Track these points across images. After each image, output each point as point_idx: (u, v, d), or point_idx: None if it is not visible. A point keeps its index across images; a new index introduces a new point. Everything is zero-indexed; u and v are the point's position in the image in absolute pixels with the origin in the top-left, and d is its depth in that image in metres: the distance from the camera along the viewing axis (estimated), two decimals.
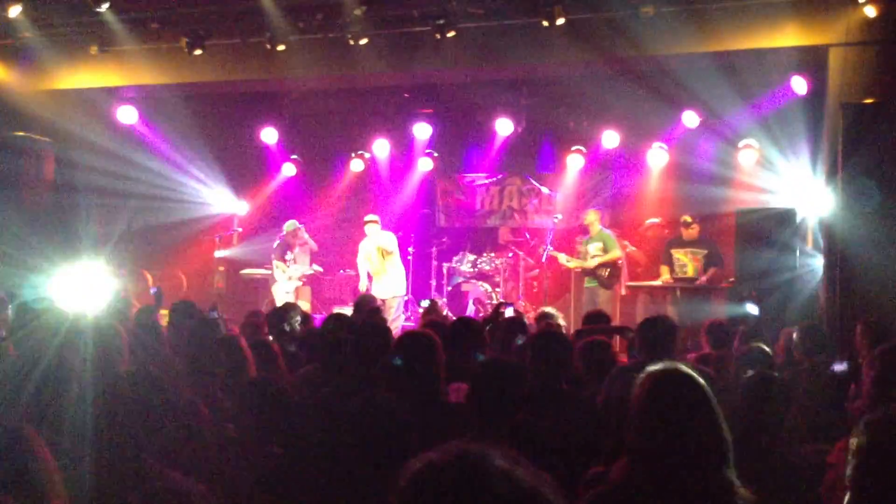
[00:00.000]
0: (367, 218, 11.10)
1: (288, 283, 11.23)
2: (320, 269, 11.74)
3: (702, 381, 2.40)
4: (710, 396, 2.35)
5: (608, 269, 10.32)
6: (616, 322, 8.94)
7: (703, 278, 9.56)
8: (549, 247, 10.98)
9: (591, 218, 10.66)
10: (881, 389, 2.82)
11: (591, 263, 10.33)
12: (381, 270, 10.83)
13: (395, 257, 10.98)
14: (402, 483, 1.32)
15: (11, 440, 2.11)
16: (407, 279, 11.62)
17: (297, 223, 11.47)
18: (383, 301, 10.33)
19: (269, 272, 12.07)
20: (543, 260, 10.98)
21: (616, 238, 10.60)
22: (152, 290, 7.62)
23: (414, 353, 3.64)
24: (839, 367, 3.54)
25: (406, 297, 11.53)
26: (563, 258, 10.75)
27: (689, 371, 2.43)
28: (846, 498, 2.01)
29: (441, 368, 3.68)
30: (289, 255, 11.33)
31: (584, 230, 11.00)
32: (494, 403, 3.04)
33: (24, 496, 2.03)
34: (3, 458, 2.06)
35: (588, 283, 10.53)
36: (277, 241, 11.59)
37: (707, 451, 2.27)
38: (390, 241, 10.91)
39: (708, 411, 2.32)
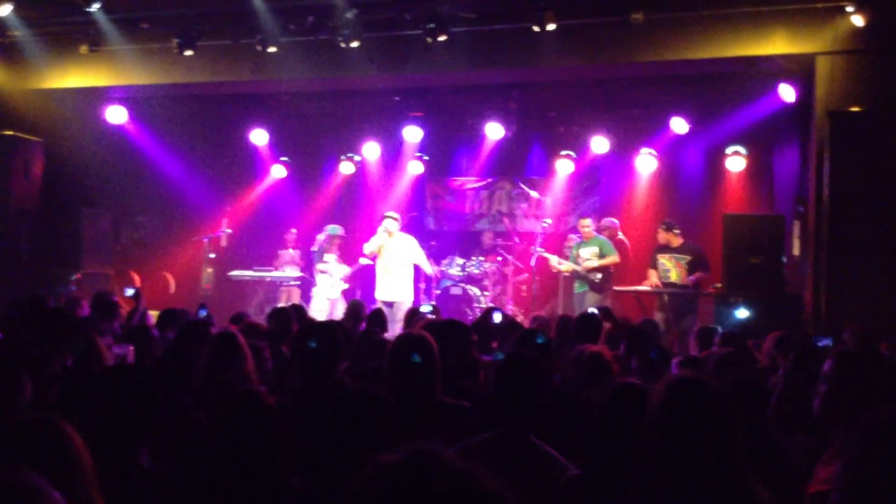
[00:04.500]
0: (391, 214, 10.47)
1: (331, 289, 11.15)
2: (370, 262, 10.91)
3: (716, 388, 2.43)
4: (725, 402, 2.38)
5: (600, 274, 10.33)
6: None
7: (691, 278, 9.62)
8: (539, 248, 10.98)
9: (587, 223, 10.65)
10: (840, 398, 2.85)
11: (588, 266, 10.31)
12: (397, 271, 10.28)
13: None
14: (355, 486, 1.26)
15: (47, 433, 2.07)
16: None
17: (340, 228, 11.40)
18: (392, 304, 10.00)
19: (259, 275, 12.08)
20: (532, 263, 10.98)
21: (612, 244, 10.62)
22: (129, 292, 7.50)
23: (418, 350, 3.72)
24: (824, 342, 3.63)
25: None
26: (554, 260, 10.74)
27: (705, 379, 2.46)
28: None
29: (437, 368, 3.75)
30: (327, 257, 11.26)
31: (575, 234, 11.00)
32: (521, 396, 3.10)
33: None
34: (38, 450, 2.00)
35: (578, 287, 10.49)
36: (317, 247, 11.55)
37: (727, 456, 2.29)
38: (417, 248, 10.51)
39: (725, 417, 2.34)
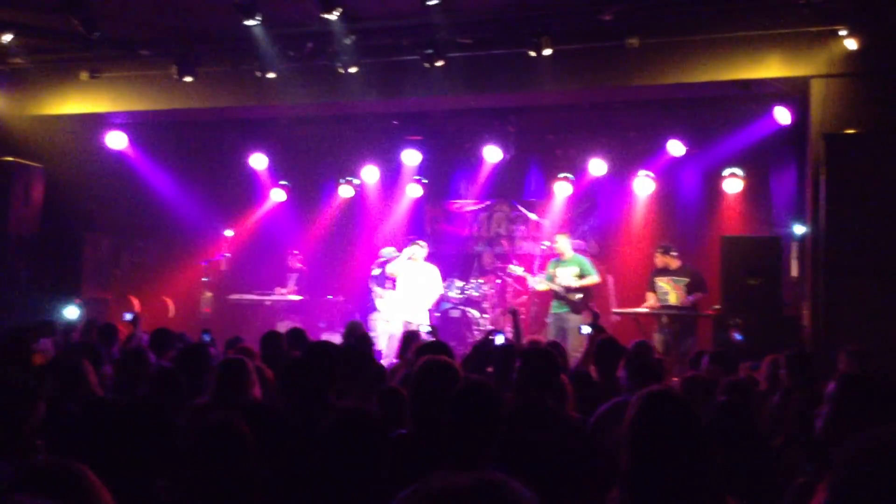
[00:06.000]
0: (421, 243, 10.77)
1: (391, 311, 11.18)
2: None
3: (689, 404, 2.46)
4: (698, 418, 2.41)
5: (580, 294, 10.23)
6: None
7: (689, 299, 9.63)
8: (513, 266, 11.02)
9: (562, 241, 10.52)
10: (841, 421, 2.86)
11: (571, 285, 10.15)
12: (416, 295, 10.48)
13: None
14: None
15: (65, 476, 2.05)
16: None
17: (394, 250, 11.43)
18: (409, 323, 10.03)
19: (258, 298, 12.08)
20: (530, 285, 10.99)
21: (592, 263, 10.58)
22: (127, 317, 7.55)
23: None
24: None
25: None
26: (531, 279, 10.68)
27: (678, 394, 2.48)
28: None
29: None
30: (388, 283, 11.26)
31: (554, 253, 10.90)
32: (480, 427, 2.93)
33: None
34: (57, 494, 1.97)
35: (556, 308, 10.28)
36: (379, 270, 11.52)
37: (699, 471, 2.30)
38: (437, 282, 10.63)
39: (697, 432, 2.37)
